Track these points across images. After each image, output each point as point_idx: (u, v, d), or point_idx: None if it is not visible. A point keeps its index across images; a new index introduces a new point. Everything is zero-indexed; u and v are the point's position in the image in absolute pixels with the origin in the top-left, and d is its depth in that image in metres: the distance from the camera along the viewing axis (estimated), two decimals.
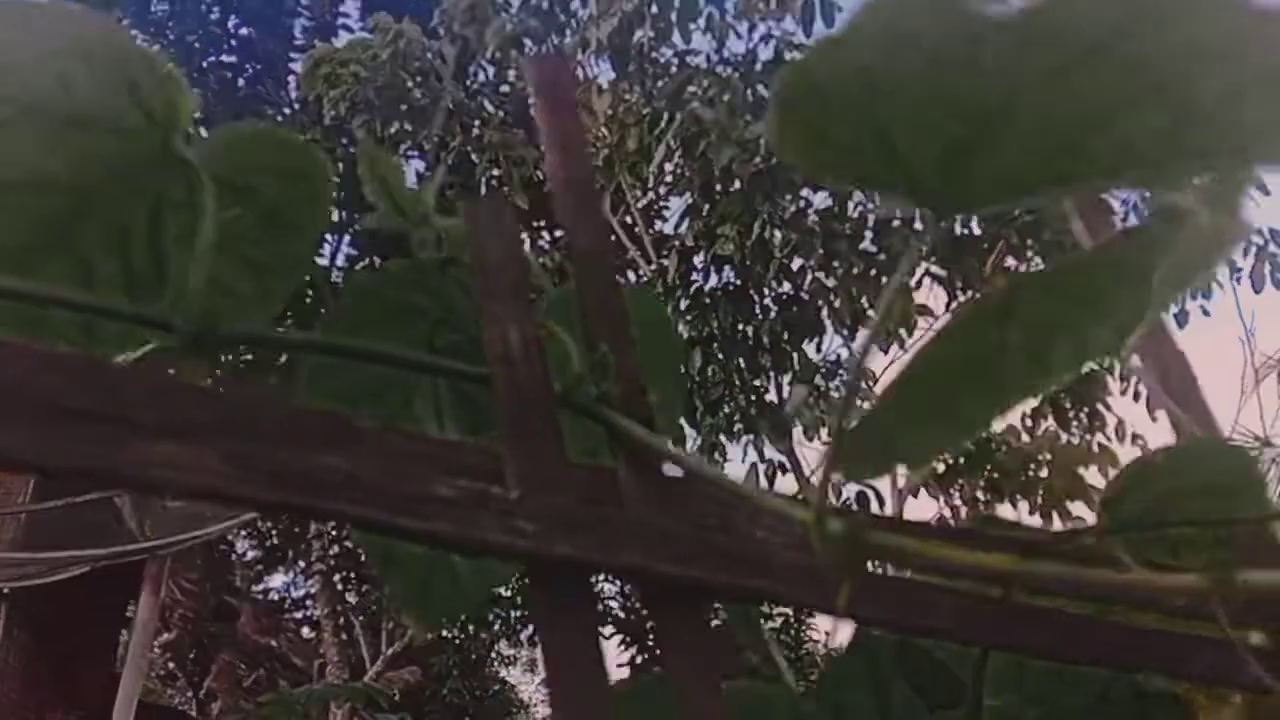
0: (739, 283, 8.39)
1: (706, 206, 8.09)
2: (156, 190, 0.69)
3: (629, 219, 9.64)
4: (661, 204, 10.59)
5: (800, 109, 0.46)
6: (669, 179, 9.20)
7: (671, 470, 0.63)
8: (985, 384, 0.60)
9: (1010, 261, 7.92)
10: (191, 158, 0.65)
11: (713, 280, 8.52)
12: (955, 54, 0.43)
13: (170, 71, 0.63)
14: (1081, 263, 0.58)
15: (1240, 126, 0.47)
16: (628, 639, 12.85)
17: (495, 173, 9.08)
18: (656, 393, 0.84)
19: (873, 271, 8.01)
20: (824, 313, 8.21)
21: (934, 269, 7.94)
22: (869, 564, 0.65)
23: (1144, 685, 0.73)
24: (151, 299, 0.71)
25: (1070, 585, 0.59)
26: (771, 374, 8.35)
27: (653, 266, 9.09)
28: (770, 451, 8.53)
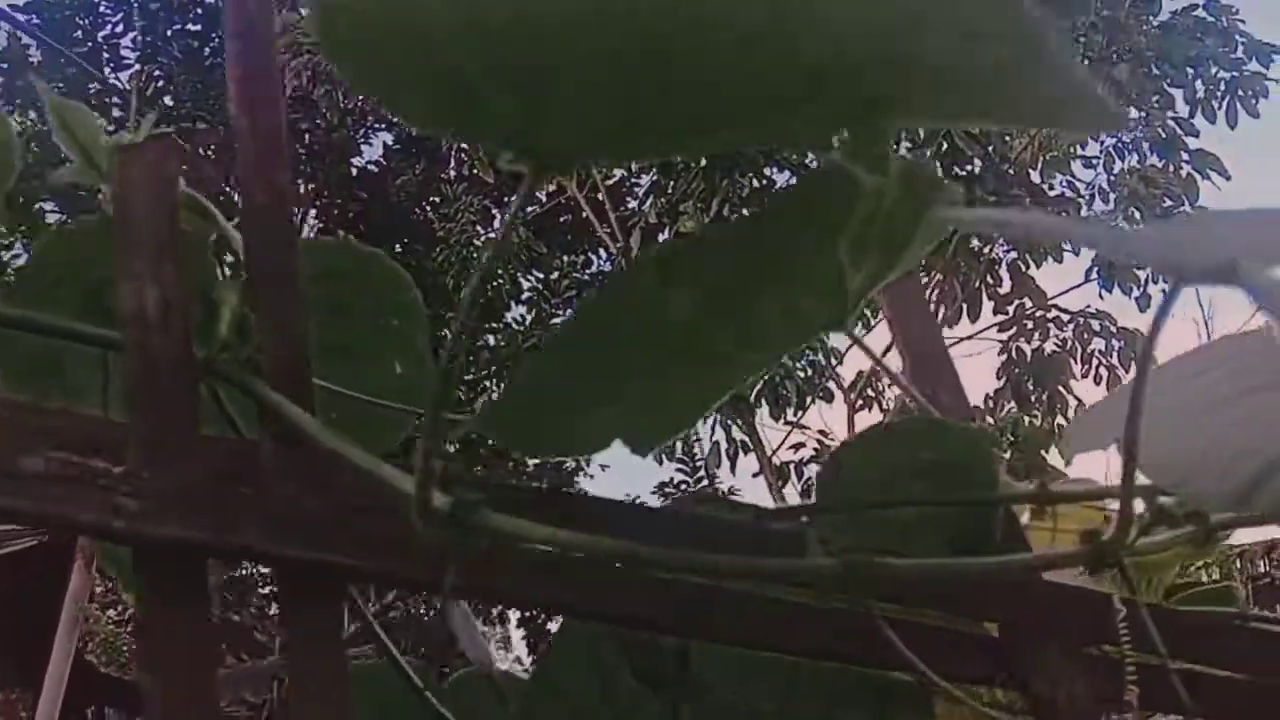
0: None
1: (670, 184, 8.01)
2: None
3: (599, 196, 9.53)
4: (633, 182, 10.46)
5: (345, 38, 0.40)
6: None
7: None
8: (658, 356, 0.55)
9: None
10: None
11: None
12: None
13: None
14: (747, 222, 0.54)
15: (876, 67, 0.42)
16: None
17: (464, 148, 8.97)
18: (402, 367, 0.80)
19: None
20: None
21: None
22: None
23: (881, 679, 0.69)
24: None
25: (737, 571, 0.55)
26: None
27: (619, 245, 9.01)
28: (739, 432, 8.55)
